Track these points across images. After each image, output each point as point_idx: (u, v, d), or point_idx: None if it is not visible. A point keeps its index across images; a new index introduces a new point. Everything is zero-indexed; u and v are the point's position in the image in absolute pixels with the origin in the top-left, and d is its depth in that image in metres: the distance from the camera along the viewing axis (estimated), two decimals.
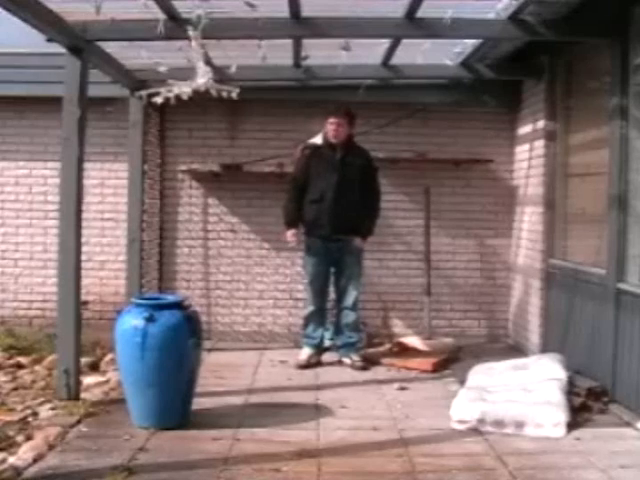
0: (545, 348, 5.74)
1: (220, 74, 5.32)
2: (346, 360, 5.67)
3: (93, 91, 4.84)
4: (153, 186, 6.59)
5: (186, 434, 4.00)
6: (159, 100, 4.77)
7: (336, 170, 5.55)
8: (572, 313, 5.30)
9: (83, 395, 4.67)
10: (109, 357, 5.64)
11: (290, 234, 5.73)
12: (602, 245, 4.87)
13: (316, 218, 5.60)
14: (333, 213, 5.53)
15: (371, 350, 6.10)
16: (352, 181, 5.55)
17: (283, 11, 4.46)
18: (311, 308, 5.77)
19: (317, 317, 5.77)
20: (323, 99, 6.50)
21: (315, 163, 5.65)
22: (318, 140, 5.80)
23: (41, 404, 4.56)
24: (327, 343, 5.95)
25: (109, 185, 6.78)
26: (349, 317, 5.70)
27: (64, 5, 4.29)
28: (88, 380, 5.11)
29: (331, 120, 5.56)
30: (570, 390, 4.53)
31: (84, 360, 5.26)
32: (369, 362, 5.71)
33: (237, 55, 5.34)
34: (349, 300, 5.68)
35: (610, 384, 4.57)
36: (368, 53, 5.63)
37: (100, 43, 4.96)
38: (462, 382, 4.99)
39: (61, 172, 4.70)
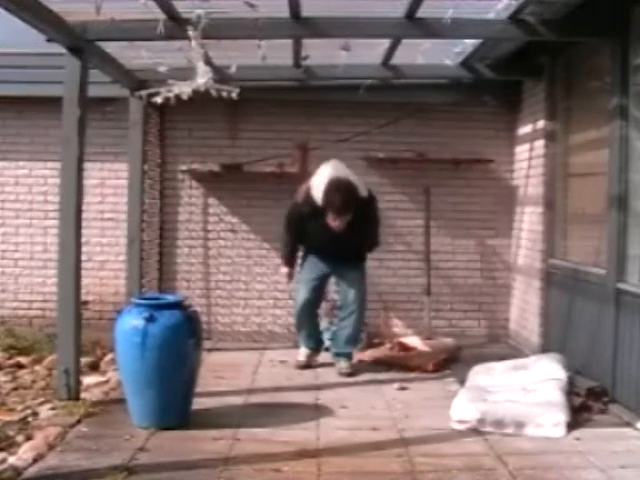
0: (545, 348, 5.74)
1: (220, 74, 5.33)
2: (336, 364, 5.57)
3: (93, 91, 4.84)
4: (153, 186, 6.59)
5: (186, 434, 3.99)
6: (159, 100, 4.76)
7: (333, 236, 5.16)
8: (572, 313, 5.30)
9: (83, 395, 4.66)
10: (109, 357, 5.64)
11: (285, 272, 5.67)
12: (602, 245, 4.87)
13: (314, 257, 5.52)
14: (330, 259, 5.43)
15: (371, 350, 6.09)
16: (350, 237, 5.17)
17: (283, 11, 4.45)
18: (300, 313, 5.59)
19: (307, 323, 5.62)
20: (323, 99, 6.52)
21: (312, 223, 5.24)
22: (318, 192, 5.14)
23: (41, 404, 4.56)
24: (327, 343, 5.92)
25: (109, 185, 6.78)
26: (347, 330, 5.51)
27: (64, 5, 4.29)
28: (88, 380, 5.11)
29: (337, 222, 5.06)
30: (570, 390, 4.54)
31: (84, 360, 5.26)
32: (372, 362, 5.71)
33: (237, 55, 5.33)
34: (350, 308, 5.46)
35: (610, 384, 4.57)
36: (368, 53, 5.63)
37: (100, 43, 4.95)
38: (462, 382, 4.99)
39: (61, 172, 4.70)
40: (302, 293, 5.56)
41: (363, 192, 5.24)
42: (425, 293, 6.46)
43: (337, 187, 5.04)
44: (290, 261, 5.60)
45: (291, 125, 6.66)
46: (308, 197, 5.25)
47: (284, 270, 5.69)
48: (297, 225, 5.40)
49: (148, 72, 5.77)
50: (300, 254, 5.64)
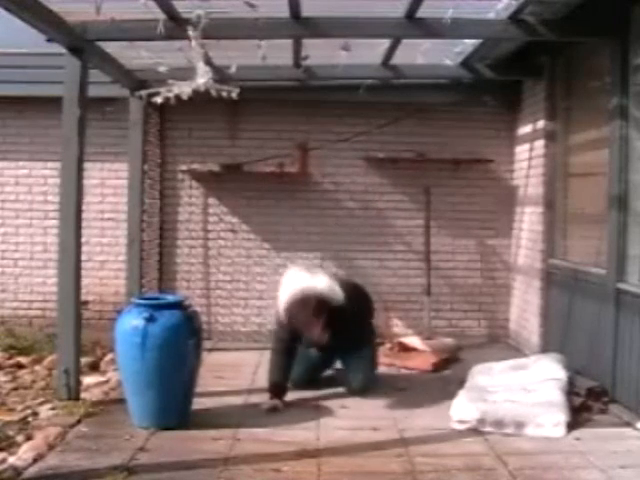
0: (545, 348, 5.74)
1: (220, 74, 5.33)
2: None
3: (93, 91, 4.85)
4: (153, 186, 6.59)
5: (186, 434, 4.00)
6: (159, 100, 4.76)
7: (324, 350, 4.88)
8: (572, 313, 5.30)
9: (83, 395, 4.67)
10: (109, 357, 5.64)
11: (272, 404, 4.50)
12: (602, 245, 4.87)
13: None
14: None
15: None
16: (343, 344, 4.83)
17: (283, 11, 4.45)
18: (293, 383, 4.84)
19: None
20: (323, 99, 6.52)
21: (296, 345, 4.81)
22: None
23: (41, 404, 4.57)
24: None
25: (109, 185, 6.77)
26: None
27: (64, 5, 4.29)
28: (88, 380, 5.11)
29: (317, 335, 4.50)
30: (570, 390, 4.53)
31: (84, 360, 5.26)
32: None
33: (237, 55, 5.33)
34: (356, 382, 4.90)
35: (610, 384, 4.57)
36: (368, 53, 5.62)
37: (100, 43, 4.95)
38: (462, 382, 4.99)
39: (61, 172, 4.70)
40: (296, 369, 4.84)
41: (338, 298, 4.57)
42: (425, 293, 6.46)
43: (296, 304, 4.52)
44: (281, 388, 4.64)
45: (291, 125, 6.66)
46: (280, 320, 4.75)
47: (272, 402, 4.51)
48: (285, 350, 4.76)
49: (148, 72, 5.77)
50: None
